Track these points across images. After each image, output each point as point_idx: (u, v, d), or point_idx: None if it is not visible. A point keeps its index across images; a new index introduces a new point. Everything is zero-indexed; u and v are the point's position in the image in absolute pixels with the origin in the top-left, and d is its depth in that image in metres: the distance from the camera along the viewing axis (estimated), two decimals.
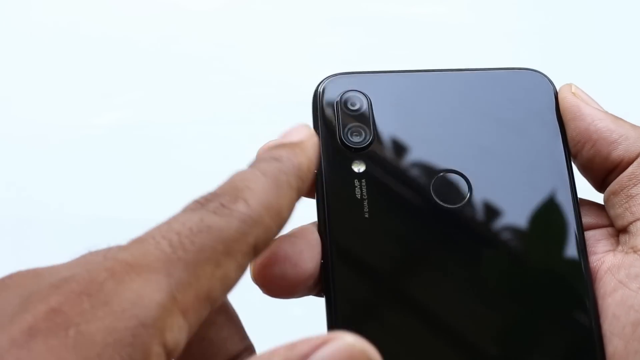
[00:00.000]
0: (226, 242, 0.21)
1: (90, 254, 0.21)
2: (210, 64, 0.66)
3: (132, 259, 0.20)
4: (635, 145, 0.29)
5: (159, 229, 0.21)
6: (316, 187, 0.28)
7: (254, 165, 0.24)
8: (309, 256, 0.26)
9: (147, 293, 0.19)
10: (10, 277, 0.20)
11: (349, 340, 0.20)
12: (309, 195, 0.29)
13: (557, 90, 0.31)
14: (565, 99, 0.30)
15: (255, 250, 0.22)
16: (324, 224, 0.27)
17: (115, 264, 0.19)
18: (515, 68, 0.31)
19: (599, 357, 0.26)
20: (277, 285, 0.25)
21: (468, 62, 0.34)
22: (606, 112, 0.30)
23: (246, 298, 0.28)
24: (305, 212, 0.29)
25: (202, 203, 0.22)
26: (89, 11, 0.68)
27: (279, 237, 0.26)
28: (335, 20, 0.69)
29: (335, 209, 0.27)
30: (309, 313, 0.32)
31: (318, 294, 0.27)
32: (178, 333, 0.19)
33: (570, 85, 0.31)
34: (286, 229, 0.27)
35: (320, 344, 0.19)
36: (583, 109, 0.29)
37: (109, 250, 0.21)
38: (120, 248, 0.21)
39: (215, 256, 0.20)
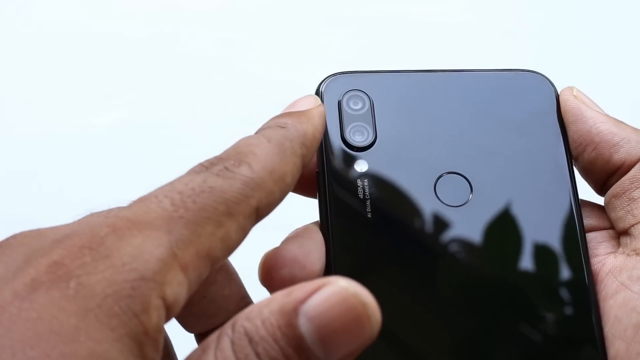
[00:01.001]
0: (228, 203, 0.21)
1: (92, 214, 0.21)
2: (211, 64, 0.66)
3: (134, 216, 0.20)
4: (636, 148, 0.29)
5: (162, 189, 0.21)
6: (318, 187, 0.28)
7: (259, 131, 0.24)
8: (316, 257, 0.26)
9: (148, 248, 0.19)
10: (14, 237, 0.21)
11: (342, 284, 0.20)
12: (311, 194, 0.29)
13: (559, 93, 0.31)
14: (567, 101, 0.30)
15: (258, 214, 0.22)
16: (326, 223, 0.27)
17: (117, 221, 0.20)
18: (517, 70, 0.31)
19: None
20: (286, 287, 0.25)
21: (468, 62, 0.34)
22: (608, 116, 0.30)
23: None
24: (308, 212, 0.29)
25: (206, 166, 0.22)
26: (89, 11, 0.68)
27: (286, 239, 0.26)
28: (336, 20, 0.69)
29: (337, 208, 0.27)
30: None
31: None
32: (178, 288, 0.20)
33: (572, 88, 0.31)
34: (288, 230, 0.27)
35: (316, 288, 0.20)
36: (585, 112, 0.30)
37: (111, 209, 0.21)
38: (122, 207, 0.21)
39: (216, 216, 0.21)
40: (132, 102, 0.64)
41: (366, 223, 0.27)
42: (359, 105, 0.29)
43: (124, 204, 0.21)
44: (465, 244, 0.28)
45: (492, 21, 0.69)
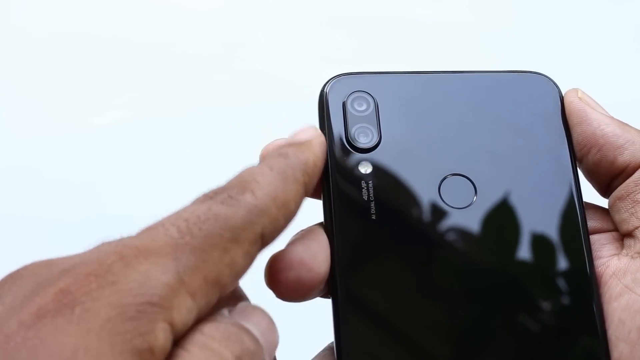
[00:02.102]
0: (233, 230, 0.21)
1: (103, 243, 0.21)
2: (211, 64, 0.66)
3: (141, 244, 0.20)
4: None
5: (168, 217, 0.22)
6: (323, 189, 0.28)
7: (261, 161, 0.25)
8: (322, 259, 0.26)
9: (154, 274, 0.20)
10: (26, 268, 0.21)
11: None
12: (316, 196, 0.29)
13: (563, 95, 0.31)
14: (572, 103, 0.30)
15: (263, 240, 0.23)
16: (330, 225, 0.27)
17: (124, 249, 0.20)
18: (521, 71, 0.31)
19: None
20: (293, 290, 0.25)
21: (469, 62, 0.34)
22: (612, 118, 0.30)
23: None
24: (313, 212, 0.29)
25: (210, 196, 0.22)
26: (90, 11, 0.68)
27: (291, 241, 0.26)
28: (337, 20, 0.69)
29: (341, 210, 0.27)
30: (313, 311, 0.32)
31: (325, 296, 0.27)
32: (186, 314, 0.20)
33: (576, 89, 0.31)
34: (293, 231, 0.27)
35: None
36: (589, 114, 0.29)
37: (121, 239, 0.21)
38: (130, 236, 0.21)
39: (222, 242, 0.21)
40: (132, 102, 0.64)
41: (370, 224, 0.27)
42: (364, 107, 0.29)
43: (132, 232, 0.22)
44: (470, 246, 0.28)
45: (492, 21, 0.69)
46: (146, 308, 0.19)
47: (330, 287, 0.26)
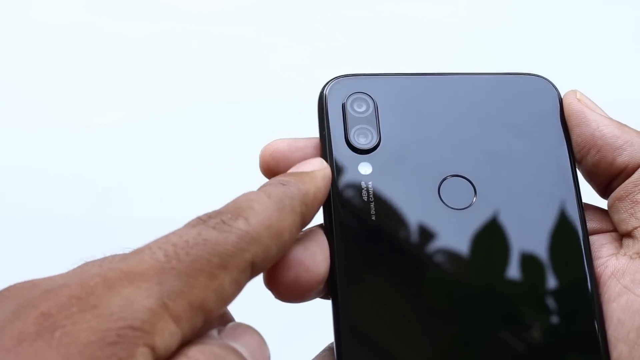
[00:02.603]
0: (222, 256, 0.21)
1: (87, 263, 0.21)
2: (211, 64, 0.66)
3: (126, 267, 0.20)
4: None
5: (157, 241, 0.21)
6: None
7: (261, 188, 0.24)
8: (320, 259, 0.26)
9: (137, 298, 0.20)
10: (8, 289, 0.21)
11: None
12: None
13: (562, 96, 0.31)
14: (571, 105, 0.30)
15: (253, 268, 0.22)
16: (330, 225, 0.27)
17: (108, 271, 0.20)
18: (520, 73, 0.31)
19: None
20: (291, 290, 0.25)
21: (468, 63, 0.34)
22: (611, 119, 0.30)
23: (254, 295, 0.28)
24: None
25: (203, 219, 0.22)
26: (90, 11, 0.68)
27: None
28: (337, 20, 0.69)
29: (342, 211, 0.27)
30: (313, 312, 0.32)
31: (325, 297, 0.27)
32: (169, 338, 0.20)
33: (575, 91, 0.31)
34: None
35: None
36: (588, 115, 0.30)
37: (105, 259, 0.21)
38: (116, 257, 0.21)
39: (209, 268, 0.21)
40: (132, 102, 0.64)
41: (370, 225, 0.27)
42: (363, 108, 0.29)
43: (120, 252, 0.22)
44: (469, 247, 0.28)
45: (492, 22, 0.69)
46: (127, 332, 0.19)
47: (330, 287, 0.27)
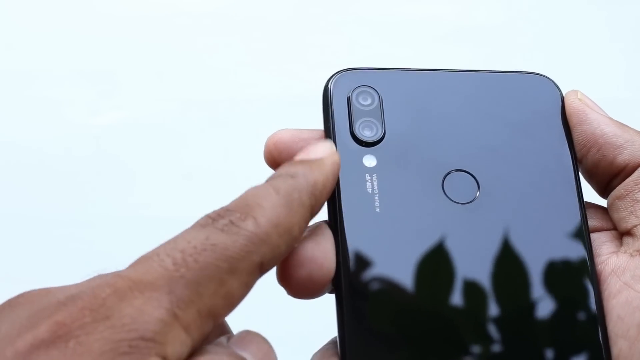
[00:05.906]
0: (230, 261, 0.21)
1: (100, 275, 0.21)
2: (211, 64, 0.66)
3: (136, 276, 0.20)
4: None
5: (164, 246, 0.21)
6: None
7: (269, 181, 0.24)
8: (333, 255, 0.26)
9: (148, 309, 0.20)
10: (22, 296, 0.21)
11: None
12: None
13: (563, 96, 0.31)
14: (572, 104, 0.30)
15: (262, 269, 0.22)
16: (335, 218, 0.27)
17: (119, 281, 0.20)
18: (523, 72, 0.32)
19: (605, 359, 0.27)
20: (305, 287, 0.25)
21: (468, 63, 0.34)
22: (612, 118, 0.30)
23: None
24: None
25: (213, 218, 0.22)
26: (90, 11, 0.68)
27: (301, 238, 0.26)
28: (337, 20, 0.69)
29: (346, 203, 0.27)
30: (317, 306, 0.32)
31: (332, 292, 0.27)
32: (180, 347, 0.20)
33: (576, 91, 0.31)
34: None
35: None
36: (589, 114, 0.30)
37: (116, 271, 0.21)
38: (126, 268, 0.21)
39: (218, 274, 0.21)
40: (132, 102, 0.64)
41: (375, 218, 0.28)
42: (368, 101, 0.30)
43: (125, 265, 0.22)
44: (472, 241, 0.28)
45: (493, 22, 0.69)
46: (139, 343, 0.19)
47: (334, 281, 0.26)
